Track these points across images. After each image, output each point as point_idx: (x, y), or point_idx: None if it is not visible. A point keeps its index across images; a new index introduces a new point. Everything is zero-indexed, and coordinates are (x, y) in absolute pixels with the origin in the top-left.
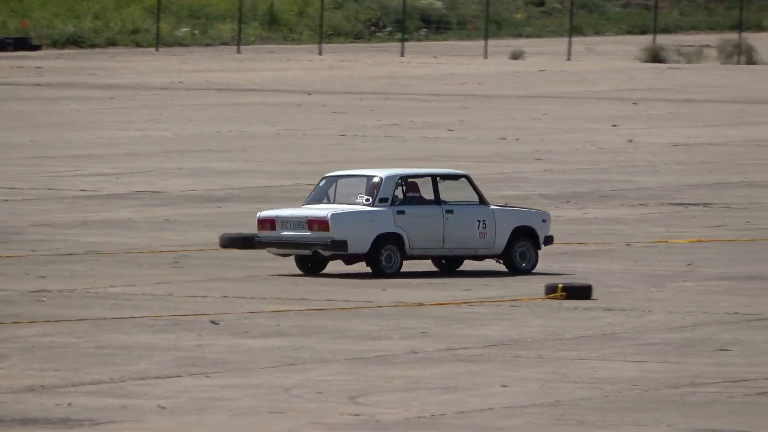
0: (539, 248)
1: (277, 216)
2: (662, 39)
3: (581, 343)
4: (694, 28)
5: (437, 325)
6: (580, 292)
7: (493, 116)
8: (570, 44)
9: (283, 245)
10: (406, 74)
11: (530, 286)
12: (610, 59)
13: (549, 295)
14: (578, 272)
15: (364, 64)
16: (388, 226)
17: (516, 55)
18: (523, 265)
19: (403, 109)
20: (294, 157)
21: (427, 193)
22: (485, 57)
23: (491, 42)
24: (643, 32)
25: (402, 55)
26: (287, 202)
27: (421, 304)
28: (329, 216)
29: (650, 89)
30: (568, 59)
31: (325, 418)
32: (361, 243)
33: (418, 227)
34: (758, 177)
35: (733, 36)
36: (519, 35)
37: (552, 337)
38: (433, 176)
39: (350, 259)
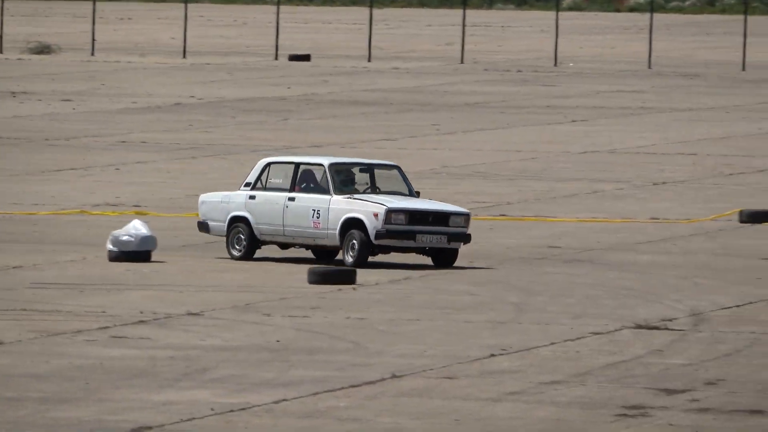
0: (366, 242)
1: None
2: None
3: None
4: None
5: None
6: None
7: None
8: None
9: None
10: None
11: None
12: None
13: None
14: None
15: None
16: (239, 209)
17: None
18: (349, 259)
19: None
20: None
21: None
22: None
23: None
24: None
25: None
26: None
27: None
28: (199, 199)
29: None
30: None
31: None
32: (219, 225)
33: (262, 213)
34: None
35: None
36: None
37: None
38: (296, 164)
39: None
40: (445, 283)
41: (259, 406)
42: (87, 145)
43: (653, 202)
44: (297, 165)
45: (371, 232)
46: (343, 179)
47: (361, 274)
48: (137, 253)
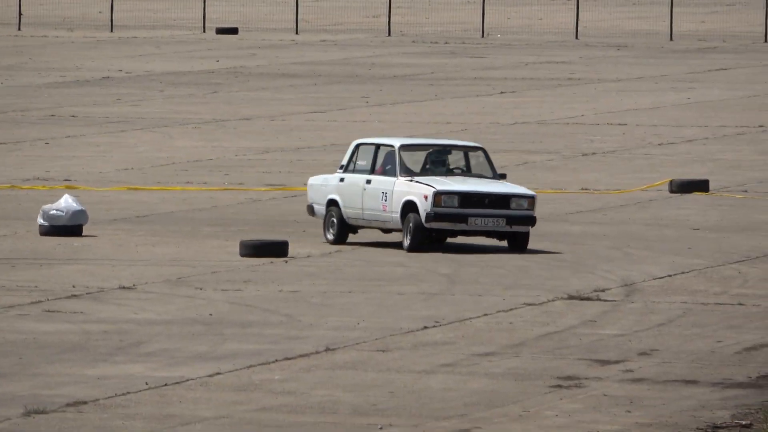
0: (420, 225)
1: None
2: None
3: None
4: None
5: None
6: None
7: None
8: None
9: None
10: None
11: None
12: None
13: None
14: None
15: None
16: (332, 192)
17: None
18: (405, 242)
19: None
20: None
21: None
22: None
23: None
24: None
25: None
26: None
27: None
28: (308, 182)
29: None
30: None
31: None
32: (321, 209)
33: (349, 196)
34: None
35: None
36: None
37: None
38: (376, 146)
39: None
40: (377, 255)
41: (193, 379)
42: (16, 120)
43: (583, 172)
44: (377, 147)
45: (422, 215)
46: (434, 160)
47: (293, 247)
48: (68, 228)
